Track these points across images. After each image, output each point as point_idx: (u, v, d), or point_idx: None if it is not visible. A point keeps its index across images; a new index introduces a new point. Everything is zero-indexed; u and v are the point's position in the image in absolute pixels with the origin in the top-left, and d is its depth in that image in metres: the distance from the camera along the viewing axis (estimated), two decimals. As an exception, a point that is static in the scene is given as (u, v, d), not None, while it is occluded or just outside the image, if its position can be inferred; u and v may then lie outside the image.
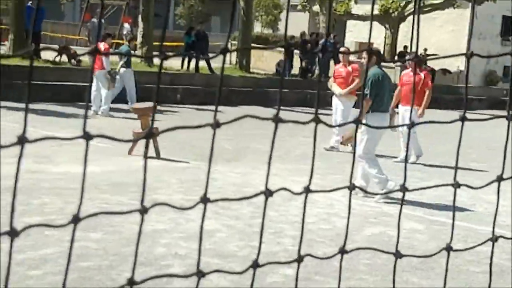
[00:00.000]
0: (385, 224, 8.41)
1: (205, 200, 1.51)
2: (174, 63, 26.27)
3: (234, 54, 31.56)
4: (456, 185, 1.85)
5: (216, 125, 1.48)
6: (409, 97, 13.12)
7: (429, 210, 9.30)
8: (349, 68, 13.93)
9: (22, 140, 1.24)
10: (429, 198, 9.77)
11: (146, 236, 7.04)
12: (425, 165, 13.26)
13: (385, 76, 10.05)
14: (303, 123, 1.61)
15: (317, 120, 1.55)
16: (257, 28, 50.04)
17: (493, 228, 2.07)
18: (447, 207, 9.47)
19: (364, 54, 10.22)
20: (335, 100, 14.03)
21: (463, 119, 1.79)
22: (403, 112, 13.27)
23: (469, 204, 9.83)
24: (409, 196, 9.24)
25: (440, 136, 16.89)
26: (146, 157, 1.51)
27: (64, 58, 23.86)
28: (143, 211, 1.47)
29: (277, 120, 1.52)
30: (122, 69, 18.62)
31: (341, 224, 8.18)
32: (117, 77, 18.33)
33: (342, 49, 17.34)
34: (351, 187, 1.71)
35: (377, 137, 9.77)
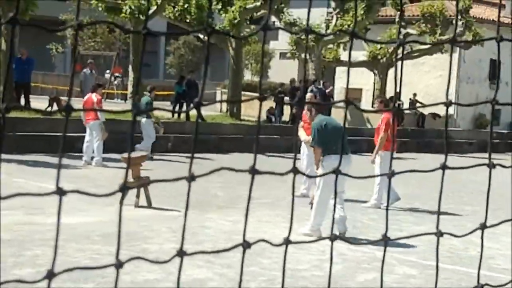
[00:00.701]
0: (379, 270, 8.37)
1: (181, 253, 1.51)
2: (165, 112, 26.33)
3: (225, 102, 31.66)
4: (439, 234, 1.87)
5: (191, 178, 1.50)
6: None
7: (422, 255, 9.26)
8: None
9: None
10: (421, 242, 9.74)
11: (138, 286, 6.98)
12: (417, 210, 13.25)
13: (330, 121, 10.29)
14: (281, 174, 1.63)
15: (295, 171, 1.57)
16: (247, 76, 50.37)
17: (478, 277, 2.06)
18: (440, 251, 9.43)
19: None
20: (302, 146, 14.01)
21: (443, 167, 1.81)
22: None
23: (462, 248, 9.80)
24: (401, 240, 9.21)
25: (431, 181, 16.90)
26: (137, 206, 1.51)
27: (55, 108, 23.93)
28: (119, 265, 1.47)
29: (253, 172, 1.53)
30: (143, 119, 18.81)
31: (334, 270, 8.14)
32: (160, 126, 19.18)
33: (308, 95, 17.37)
34: (332, 238, 1.72)
35: (332, 182, 9.81)
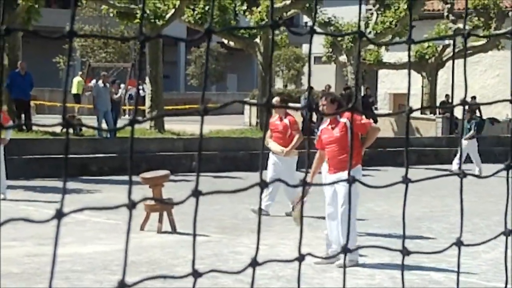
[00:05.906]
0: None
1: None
2: (187, 128, 26.41)
3: (254, 114, 31.73)
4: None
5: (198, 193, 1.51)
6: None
7: (484, 275, 9.21)
8: (286, 121, 13.66)
9: None
10: (483, 262, 9.72)
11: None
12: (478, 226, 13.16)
13: None
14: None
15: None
16: (279, 84, 50.43)
17: None
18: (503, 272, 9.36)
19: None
20: (272, 158, 13.92)
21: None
22: None
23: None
24: (463, 260, 9.15)
25: (492, 195, 16.85)
26: (160, 231, 1.53)
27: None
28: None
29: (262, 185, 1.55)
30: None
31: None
32: None
33: (274, 100, 15.29)
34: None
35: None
